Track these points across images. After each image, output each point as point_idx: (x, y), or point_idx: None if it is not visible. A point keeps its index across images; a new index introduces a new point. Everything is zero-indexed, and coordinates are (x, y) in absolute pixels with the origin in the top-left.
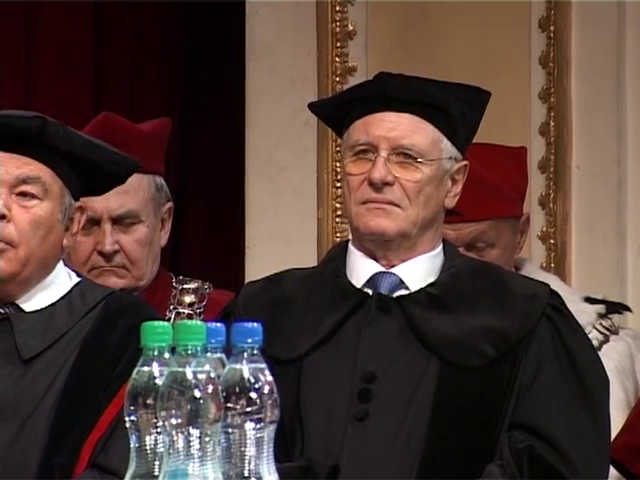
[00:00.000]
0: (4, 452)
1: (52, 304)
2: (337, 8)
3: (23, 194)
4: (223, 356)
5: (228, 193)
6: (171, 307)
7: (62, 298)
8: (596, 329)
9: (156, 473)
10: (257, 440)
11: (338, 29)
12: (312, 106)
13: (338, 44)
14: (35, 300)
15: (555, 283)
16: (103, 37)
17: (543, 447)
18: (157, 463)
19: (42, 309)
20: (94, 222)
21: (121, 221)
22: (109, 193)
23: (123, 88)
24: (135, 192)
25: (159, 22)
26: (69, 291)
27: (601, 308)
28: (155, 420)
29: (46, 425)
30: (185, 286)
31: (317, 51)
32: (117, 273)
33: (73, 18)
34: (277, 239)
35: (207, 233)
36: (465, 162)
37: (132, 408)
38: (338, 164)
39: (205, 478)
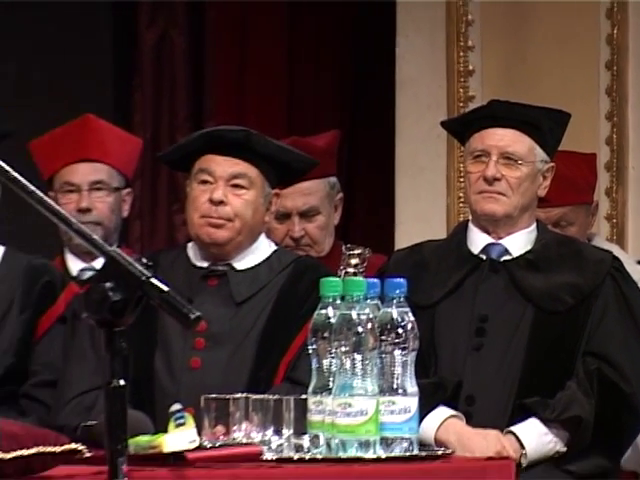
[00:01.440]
0: (222, 369)
1: (257, 264)
2: (461, 53)
3: (235, 185)
4: (379, 302)
5: (383, 186)
6: (341, 267)
7: (264, 260)
8: None
9: (330, 386)
10: (403, 363)
11: (462, 68)
12: (443, 124)
13: (462, 79)
14: (245, 261)
15: (616, 251)
16: (295, 67)
17: (608, 368)
18: (331, 379)
19: (250, 268)
20: (286, 216)
21: (305, 214)
22: (296, 194)
23: (309, 106)
24: (315, 193)
25: (334, 52)
26: (269, 255)
27: None
28: (329, 348)
29: (253, 349)
30: (351, 252)
31: (447, 84)
32: (304, 250)
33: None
34: (418, 219)
35: (368, 214)
36: (552, 164)
37: (313, 339)
38: (461, 165)
39: (365, 390)
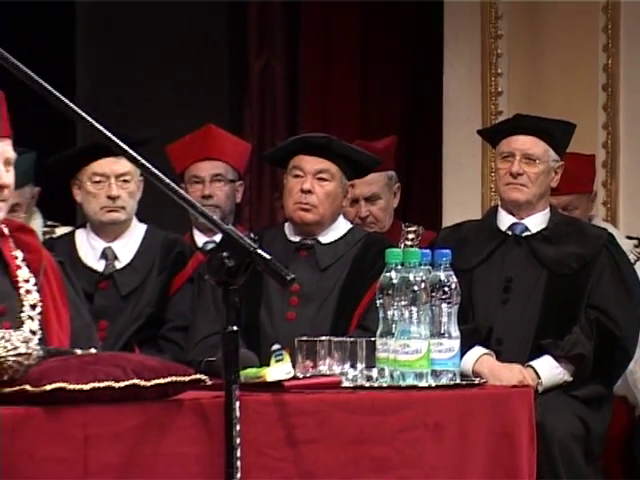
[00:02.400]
0: (311, 319)
1: (337, 239)
2: (492, 78)
3: (320, 178)
4: (430, 267)
5: (433, 178)
6: (401, 241)
7: (342, 236)
8: (632, 253)
9: (393, 331)
10: (448, 314)
11: (493, 90)
12: (479, 132)
13: (493, 98)
14: (327, 236)
15: (610, 228)
16: (369, 67)
17: (604, 318)
18: (394, 326)
19: (331, 242)
20: (355, 200)
21: (369, 199)
22: (363, 184)
23: (377, 116)
24: (376, 183)
25: (400, 77)
26: (346, 232)
27: (635, 242)
28: (392, 302)
29: (334, 304)
30: (409, 229)
31: (481, 102)
32: (370, 227)
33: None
34: (459, 204)
35: (422, 200)
36: (562, 162)
37: (380, 296)
38: (493, 164)
39: (420, 334)
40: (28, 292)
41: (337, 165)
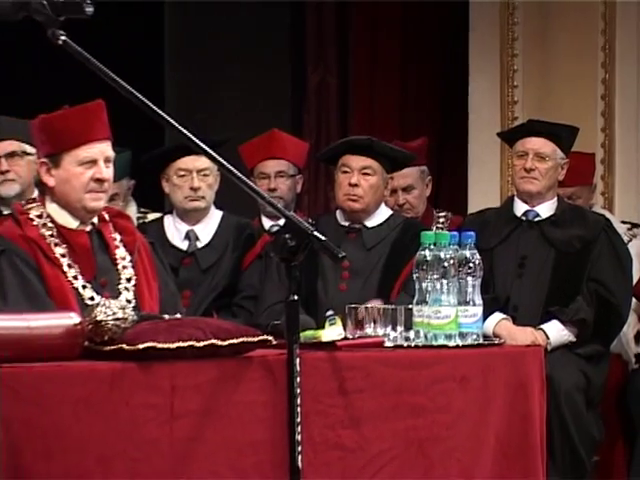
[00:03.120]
0: (359, 290)
1: (380, 224)
2: (509, 90)
3: (364, 174)
4: (457, 247)
5: (461, 172)
6: (433, 224)
7: (384, 221)
8: (626, 235)
9: (427, 300)
10: (472, 285)
11: (510, 100)
12: (498, 134)
13: (510, 106)
14: (372, 221)
15: (608, 215)
16: (407, 81)
17: (602, 289)
18: (427, 295)
19: (375, 226)
20: (394, 191)
21: (406, 189)
22: (399, 177)
23: (414, 122)
24: (411, 175)
25: (434, 92)
26: (387, 218)
27: (628, 226)
28: (426, 276)
29: (378, 278)
30: (439, 215)
31: (500, 109)
32: (407, 213)
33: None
34: (482, 194)
35: (451, 190)
36: (567, 160)
37: (416, 270)
38: (510, 161)
39: (449, 302)
40: (125, 268)
41: (378, 162)
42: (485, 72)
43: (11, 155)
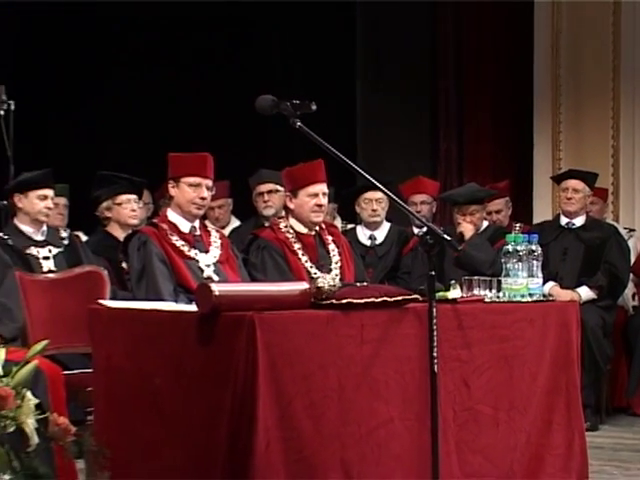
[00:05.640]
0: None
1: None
2: (558, 150)
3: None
4: (527, 243)
5: (528, 200)
6: (513, 230)
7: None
8: (626, 235)
9: (509, 274)
10: (537, 266)
11: (557, 155)
12: (551, 177)
13: (558, 160)
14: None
15: (616, 224)
16: (496, 139)
17: (613, 268)
18: (510, 272)
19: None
20: (488, 213)
21: (497, 212)
22: (493, 205)
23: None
24: (500, 203)
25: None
26: (485, 228)
27: (627, 230)
28: (510, 260)
29: None
30: (516, 225)
31: (552, 162)
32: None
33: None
34: (542, 211)
35: (525, 210)
36: (591, 192)
37: (503, 257)
38: (558, 193)
39: (522, 275)
40: (334, 256)
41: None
42: (543, 135)
43: (269, 192)
